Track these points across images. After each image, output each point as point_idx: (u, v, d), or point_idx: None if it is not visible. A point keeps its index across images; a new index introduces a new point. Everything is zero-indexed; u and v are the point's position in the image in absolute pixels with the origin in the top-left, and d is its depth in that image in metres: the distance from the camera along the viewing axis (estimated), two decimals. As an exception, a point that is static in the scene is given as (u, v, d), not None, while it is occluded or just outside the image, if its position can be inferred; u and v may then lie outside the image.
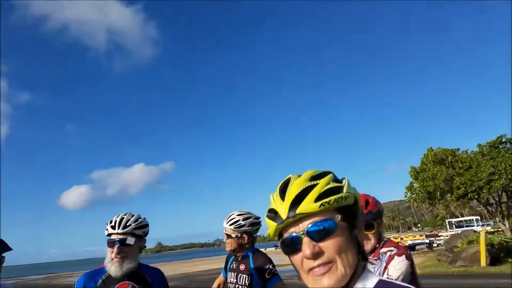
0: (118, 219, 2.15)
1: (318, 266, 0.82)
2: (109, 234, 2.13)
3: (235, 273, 2.92)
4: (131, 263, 2.12)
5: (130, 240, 2.11)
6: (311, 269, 0.83)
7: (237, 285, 2.88)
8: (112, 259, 2.08)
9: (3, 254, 2.38)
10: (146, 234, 2.26)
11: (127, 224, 2.13)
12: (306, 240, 0.83)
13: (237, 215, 2.89)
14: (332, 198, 0.84)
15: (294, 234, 0.86)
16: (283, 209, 0.87)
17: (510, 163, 17.41)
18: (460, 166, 18.84)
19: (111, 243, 2.11)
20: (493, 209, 20.25)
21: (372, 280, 0.86)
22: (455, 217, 40.54)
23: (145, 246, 2.28)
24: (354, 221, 0.88)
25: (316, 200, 0.84)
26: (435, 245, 25.49)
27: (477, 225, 28.13)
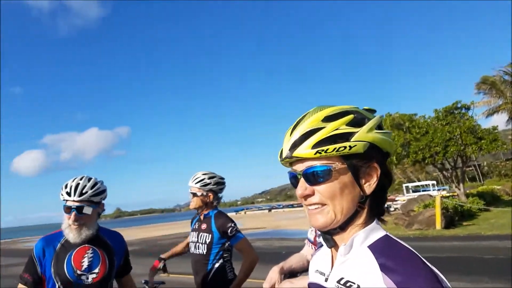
0: (73, 185, 2.05)
1: (311, 205, 0.87)
2: (65, 200, 2.05)
3: (197, 233, 3.00)
4: (90, 229, 2.09)
5: (87, 210, 2.05)
6: (306, 204, 0.88)
7: (197, 244, 2.96)
8: (70, 225, 2.04)
9: None
10: (103, 199, 2.20)
11: (84, 192, 2.04)
12: (301, 180, 0.87)
13: (202, 174, 2.97)
14: (331, 147, 0.83)
15: (294, 172, 0.89)
16: (285, 148, 0.89)
17: (465, 129, 17.93)
18: (417, 131, 19.19)
19: (67, 209, 2.04)
20: (448, 174, 21.10)
21: (377, 234, 0.87)
22: (412, 182, 42.35)
23: (104, 210, 2.23)
24: (360, 169, 0.85)
25: (314, 146, 0.84)
26: (392, 209, 26.43)
27: (433, 190, 29.31)
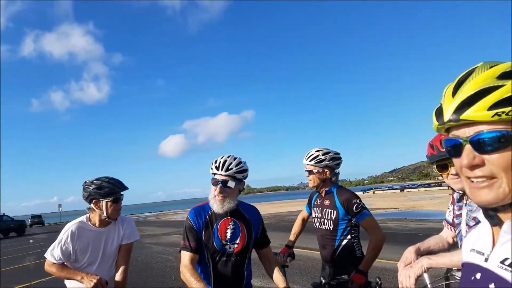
0: (222, 161, 2.31)
1: (477, 177, 0.73)
2: (214, 173, 2.31)
3: (320, 208, 2.96)
4: (231, 202, 2.30)
5: (231, 184, 2.28)
6: (470, 178, 0.74)
7: (322, 219, 2.93)
8: (215, 196, 2.29)
9: (121, 193, 2.76)
10: (245, 178, 2.40)
11: (229, 168, 2.28)
12: (468, 148, 0.73)
13: (316, 151, 2.91)
14: None
15: (457, 138, 0.75)
16: (448, 109, 0.75)
17: None
18: None
19: (215, 182, 2.30)
20: None
21: None
22: None
23: (243, 188, 2.44)
24: None
25: (492, 107, 0.69)
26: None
27: None
